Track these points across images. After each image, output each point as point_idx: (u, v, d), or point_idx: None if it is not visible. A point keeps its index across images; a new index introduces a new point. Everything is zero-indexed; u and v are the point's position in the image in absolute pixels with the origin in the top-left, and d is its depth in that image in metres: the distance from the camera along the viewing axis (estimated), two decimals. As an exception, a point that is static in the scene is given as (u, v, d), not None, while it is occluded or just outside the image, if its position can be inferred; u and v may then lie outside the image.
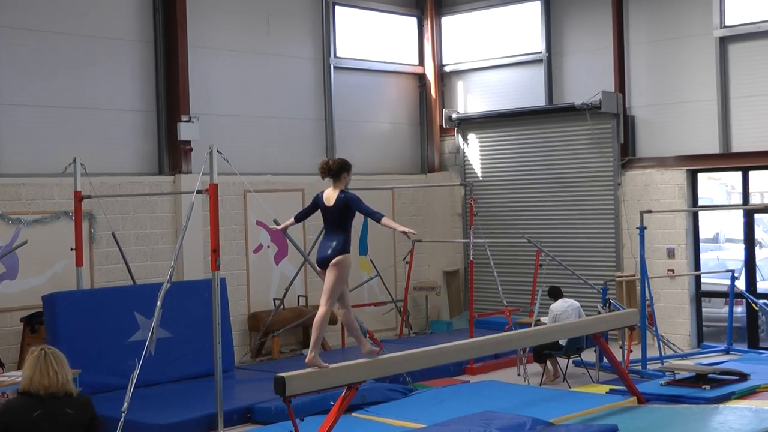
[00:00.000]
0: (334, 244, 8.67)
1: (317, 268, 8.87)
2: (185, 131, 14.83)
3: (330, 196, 8.86)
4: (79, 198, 12.87)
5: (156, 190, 14.57)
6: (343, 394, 8.87)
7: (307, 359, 8.68)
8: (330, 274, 8.63)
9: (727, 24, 15.74)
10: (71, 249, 12.88)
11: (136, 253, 14.36)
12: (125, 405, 9.85)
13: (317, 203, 8.95)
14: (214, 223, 11.08)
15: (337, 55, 17.65)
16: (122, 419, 9.81)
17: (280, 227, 9.60)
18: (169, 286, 10.74)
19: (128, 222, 14.44)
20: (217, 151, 11.21)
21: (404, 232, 8.88)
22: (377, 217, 8.75)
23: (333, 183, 8.94)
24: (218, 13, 15.85)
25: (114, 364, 12.43)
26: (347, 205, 8.76)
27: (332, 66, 17.48)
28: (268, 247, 16.18)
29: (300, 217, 9.36)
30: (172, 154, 15.04)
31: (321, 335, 8.88)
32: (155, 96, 15.07)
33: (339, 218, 8.76)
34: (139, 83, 14.92)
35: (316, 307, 15.73)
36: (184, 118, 14.90)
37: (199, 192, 11.05)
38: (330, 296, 8.73)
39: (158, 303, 10.59)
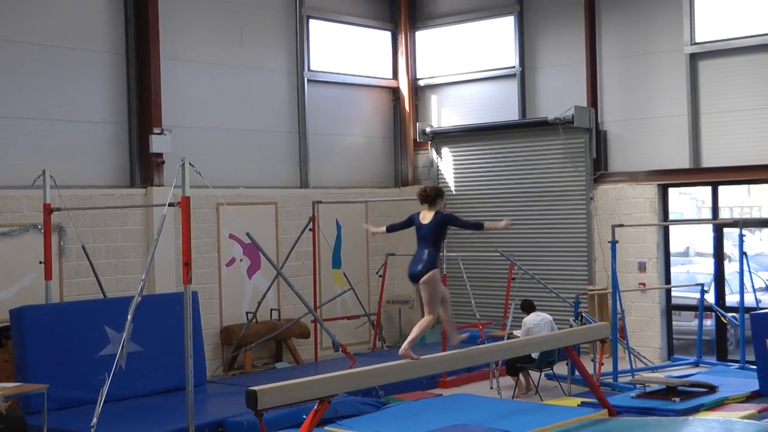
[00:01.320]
0: (424, 259, 9.60)
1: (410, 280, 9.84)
2: (157, 143, 14.79)
3: (426, 215, 9.74)
4: (48, 210, 12.75)
5: (127, 202, 14.51)
6: (315, 407, 8.85)
7: (400, 350, 9.71)
8: (424, 291, 9.65)
9: (697, 41, 15.88)
10: (40, 262, 12.75)
11: (106, 266, 14.28)
12: (95, 420, 9.78)
13: (412, 221, 9.88)
14: (186, 236, 11.03)
15: (311, 68, 17.66)
16: (92, 434, 9.75)
17: (371, 229, 10.67)
18: (141, 300, 10.68)
19: (99, 235, 14.35)
20: (190, 163, 11.16)
21: (506, 226, 10.14)
22: (479, 226, 10.09)
23: (429, 207, 9.80)
24: (191, 25, 15.83)
25: (84, 379, 12.31)
26: (444, 222, 9.71)
27: (306, 79, 17.49)
28: (241, 260, 16.13)
29: (391, 229, 10.43)
30: (144, 167, 14.98)
31: (420, 336, 9.90)
32: (127, 108, 15.01)
33: (433, 235, 9.67)
34: (110, 95, 14.86)
35: (289, 321, 15.86)
36: (156, 130, 14.85)
37: (171, 205, 10.99)
38: (432, 307, 9.72)
39: (129, 317, 10.52)
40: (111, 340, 12.75)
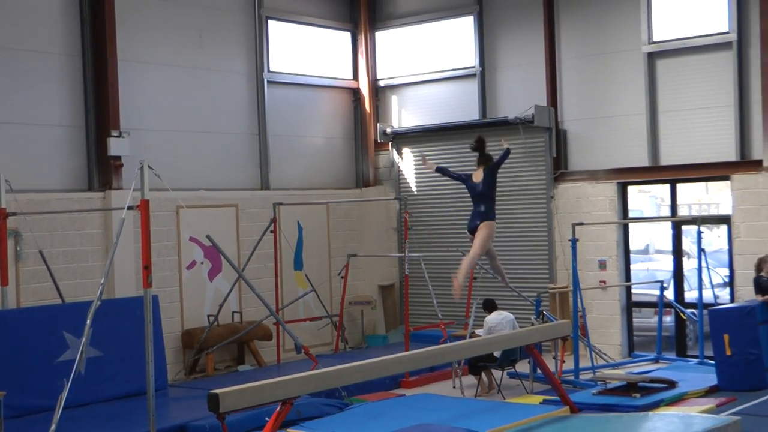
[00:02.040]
0: (482, 211, 11.22)
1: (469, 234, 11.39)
2: (115, 146, 14.66)
3: (477, 175, 11.38)
4: (3, 215, 12.60)
5: (85, 206, 14.39)
6: (277, 409, 8.82)
7: (453, 279, 11.53)
8: (478, 235, 11.19)
9: (654, 40, 16.01)
10: (-3, 268, 12.63)
11: (64, 271, 14.13)
12: (53, 426, 9.67)
13: (466, 181, 11.55)
14: (146, 240, 10.96)
15: (271, 69, 17.61)
16: (51, 440, 9.65)
17: (426, 164, 12.12)
18: (100, 304, 10.59)
19: (56, 239, 14.19)
20: (149, 166, 11.10)
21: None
22: (507, 152, 11.66)
23: (480, 165, 11.60)
24: (149, 27, 15.73)
25: (42, 385, 12.19)
26: (492, 172, 11.31)
27: (266, 80, 17.44)
28: (202, 263, 16.05)
29: (445, 171, 12.21)
30: (102, 170, 14.85)
31: (469, 269, 11.74)
32: (84, 110, 14.87)
33: (486, 189, 11.26)
34: (67, 97, 14.72)
35: (251, 323, 15.83)
36: (114, 133, 14.72)
37: (130, 208, 10.92)
38: (480, 247, 11.42)
39: (88, 321, 10.42)
40: (70, 346, 12.63)
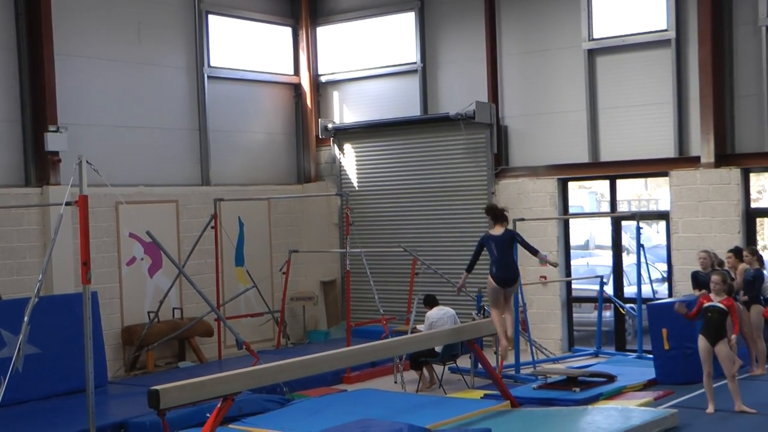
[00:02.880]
0: (513, 267, 11.48)
1: (494, 284, 11.30)
2: (53, 141, 14.45)
3: (497, 229, 11.39)
4: (-60, 211, 12.43)
5: (22, 202, 14.18)
6: (218, 405, 8.79)
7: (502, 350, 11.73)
8: (512, 293, 11.55)
9: (594, 37, 16.17)
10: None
11: (1, 267, 13.93)
12: (-9, 423, 9.56)
13: (483, 243, 11.46)
14: (85, 236, 10.83)
15: (211, 64, 17.49)
16: (-12, 438, 9.52)
17: (460, 285, 11.90)
18: (37, 301, 10.46)
19: (-7, 235, 14.01)
20: (87, 161, 10.97)
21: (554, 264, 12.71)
22: (534, 252, 11.44)
23: (497, 224, 11.44)
24: (86, 20, 15.52)
25: (-21, 383, 12.03)
26: (512, 238, 11.43)
27: (206, 75, 17.31)
28: (142, 259, 15.91)
29: (472, 268, 11.71)
30: (39, 165, 14.64)
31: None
32: (20, 105, 14.64)
33: (509, 243, 11.36)
34: (2, 91, 14.46)
35: (192, 319, 15.71)
36: (52, 128, 14.51)
37: (68, 204, 10.78)
38: (512, 305, 11.81)
39: (26, 318, 10.29)
40: (7, 343, 12.48)
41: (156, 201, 16.08)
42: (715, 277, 11.09)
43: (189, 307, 16.25)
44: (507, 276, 11.36)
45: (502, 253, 11.36)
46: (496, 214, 11.55)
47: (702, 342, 10.93)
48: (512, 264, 11.52)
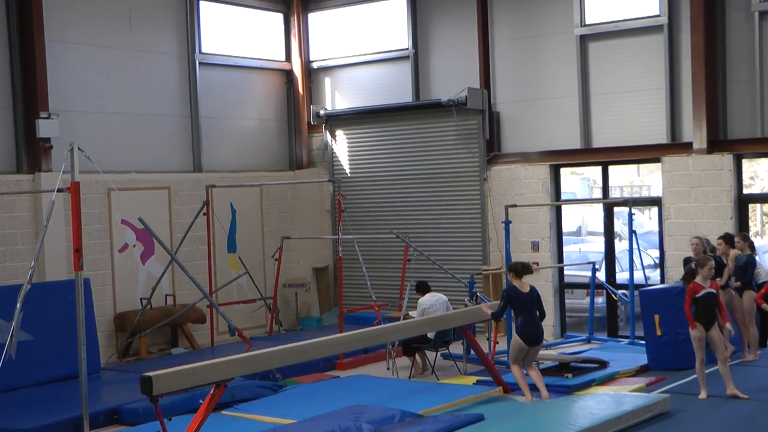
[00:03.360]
0: (540, 324, 11.24)
1: (523, 343, 11.06)
2: (44, 128, 14.42)
3: (523, 285, 11.23)
4: (-68, 197, 12.39)
5: (14, 188, 14.14)
6: (211, 392, 8.80)
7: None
8: (538, 350, 11.33)
9: (587, 23, 16.15)
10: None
11: (-6, 254, 13.94)
12: (-16, 410, 9.56)
13: (510, 298, 11.16)
14: (77, 223, 10.83)
15: (203, 50, 17.45)
16: (-19, 425, 9.52)
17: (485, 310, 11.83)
18: (30, 288, 10.45)
19: (-15, 222, 13.98)
20: (78, 148, 10.95)
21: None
22: (543, 315, 11.39)
23: (519, 278, 11.27)
24: (77, 6, 15.45)
25: (-28, 369, 12.03)
26: (539, 298, 11.33)
27: (197, 62, 17.27)
28: (134, 246, 15.89)
29: (498, 316, 11.59)
30: (31, 152, 14.61)
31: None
32: (11, 92, 14.59)
33: (535, 303, 11.22)
34: (-7, 78, 14.47)
35: (184, 306, 15.70)
36: (43, 114, 14.47)
37: (60, 190, 10.77)
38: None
39: (18, 305, 10.29)
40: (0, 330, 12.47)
41: (148, 188, 16.06)
42: (710, 263, 11.08)
43: (181, 293, 16.24)
44: (536, 333, 11.13)
45: (530, 310, 11.15)
46: (526, 270, 11.36)
47: (696, 329, 10.93)
48: (537, 320, 11.21)
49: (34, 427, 10.70)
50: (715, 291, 10.97)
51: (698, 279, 10.97)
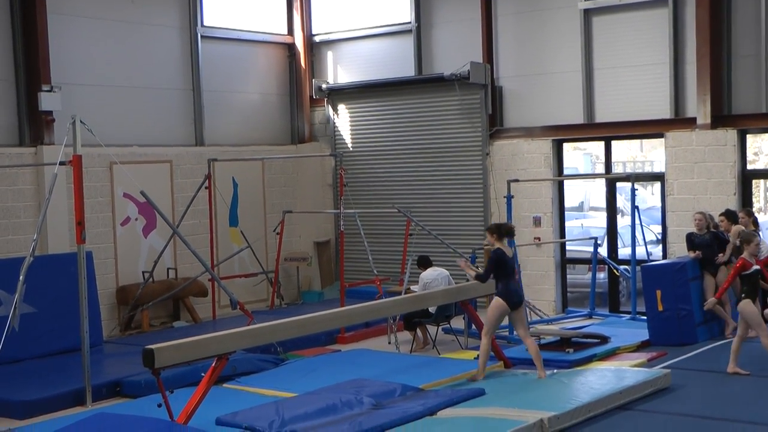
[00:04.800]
0: (521, 287, 11.37)
1: (505, 305, 10.80)
2: (47, 101, 14.39)
3: (508, 250, 10.96)
4: (-66, 170, 12.39)
5: (16, 162, 14.14)
6: (213, 365, 8.83)
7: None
8: (523, 309, 11.08)
9: (590, -4, 16.09)
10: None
11: (-4, 226, 13.95)
12: (-13, 382, 9.60)
13: (501, 258, 10.78)
14: (79, 196, 10.86)
15: (205, 24, 17.37)
16: (-16, 397, 9.57)
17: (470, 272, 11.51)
18: (33, 260, 10.50)
19: (-13, 195, 13.98)
20: (81, 121, 10.97)
21: None
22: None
23: (502, 240, 10.92)
24: (79, -21, 15.42)
25: (-25, 342, 12.07)
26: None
27: (199, 35, 17.20)
28: (136, 219, 15.89)
29: (485, 281, 11.11)
30: (33, 125, 14.59)
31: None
32: (13, 64, 14.56)
33: (515, 267, 11.11)
34: (-5, 51, 14.42)
35: (186, 279, 15.71)
36: (45, 87, 14.44)
37: (62, 164, 10.79)
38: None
39: (21, 277, 10.34)
40: (2, 302, 12.53)
41: (150, 161, 16.04)
42: (756, 239, 11.15)
43: (183, 267, 16.27)
44: (521, 294, 11.12)
45: (513, 274, 10.99)
46: (510, 232, 11.17)
47: (748, 305, 10.85)
48: (519, 283, 11.21)
49: (37, 398, 10.76)
50: (759, 267, 10.99)
51: (745, 255, 10.96)
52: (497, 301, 10.82)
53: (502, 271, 10.82)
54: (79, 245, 10.96)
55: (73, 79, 15.15)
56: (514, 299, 10.82)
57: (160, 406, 8.46)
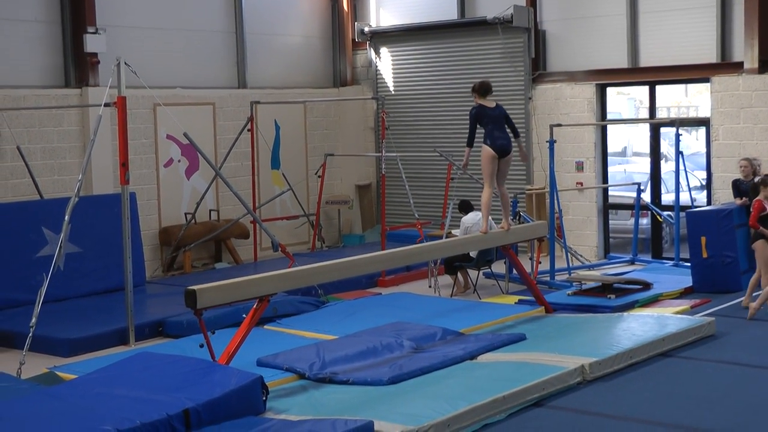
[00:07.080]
0: (509, 137, 11.38)
1: (494, 153, 11.20)
2: (91, 43, 14.45)
3: (489, 102, 11.35)
4: (-20, 110, 12.51)
5: (62, 103, 14.23)
6: (254, 306, 8.89)
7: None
8: (508, 163, 11.41)
9: (638, -63, 15.81)
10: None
11: (42, 167, 14.06)
12: (33, 320, 9.75)
13: (478, 116, 11.31)
14: (123, 137, 10.94)
15: (248, -35, 17.31)
16: (31, 334, 9.72)
17: (465, 164, 11.75)
18: (78, 201, 10.60)
19: (34, 136, 14.08)
20: (125, 63, 11.00)
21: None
22: (517, 133, 11.66)
23: (484, 96, 11.38)
24: None
25: (22, 280, 12.26)
26: (506, 116, 11.44)
27: (243, -23, 17.15)
28: (179, 161, 15.98)
29: (472, 143, 11.43)
30: (79, 67, 14.66)
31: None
32: (60, 6, 14.60)
33: (503, 122, 11.33)
34: (41, -7, 14.46)
35: (228, 221, 15.82)
36: (90, 29, 14.49)
37: (107, 105, 10.84)
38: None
39: (66, 217, 10.45)
40: (49, 241, 12.68)
41: (193, 103, 16.09)
42: None
43: (225, 209, 16.37)
44: (505, 144, 11.27)
45: (498, 124, 11.30)
46: (488, 88, 11.48)
47: (762, 244, 11.31)
48: (507, 134, 11.40)
49: (81, 337, 10.93)
50: None
51: (761, 197, 11.13)
52: (484, 149, 11.31)
53: (485, 123, 11.29)
54: (123, 186, 11.06)
55: (118, 21, 15.18)
56: (497, 144, 11.19)
57: (201, 346, 8.55)
